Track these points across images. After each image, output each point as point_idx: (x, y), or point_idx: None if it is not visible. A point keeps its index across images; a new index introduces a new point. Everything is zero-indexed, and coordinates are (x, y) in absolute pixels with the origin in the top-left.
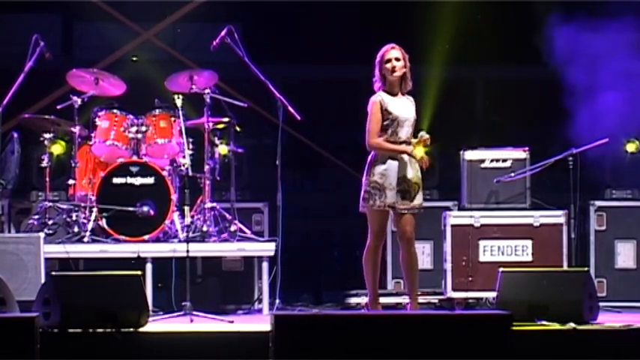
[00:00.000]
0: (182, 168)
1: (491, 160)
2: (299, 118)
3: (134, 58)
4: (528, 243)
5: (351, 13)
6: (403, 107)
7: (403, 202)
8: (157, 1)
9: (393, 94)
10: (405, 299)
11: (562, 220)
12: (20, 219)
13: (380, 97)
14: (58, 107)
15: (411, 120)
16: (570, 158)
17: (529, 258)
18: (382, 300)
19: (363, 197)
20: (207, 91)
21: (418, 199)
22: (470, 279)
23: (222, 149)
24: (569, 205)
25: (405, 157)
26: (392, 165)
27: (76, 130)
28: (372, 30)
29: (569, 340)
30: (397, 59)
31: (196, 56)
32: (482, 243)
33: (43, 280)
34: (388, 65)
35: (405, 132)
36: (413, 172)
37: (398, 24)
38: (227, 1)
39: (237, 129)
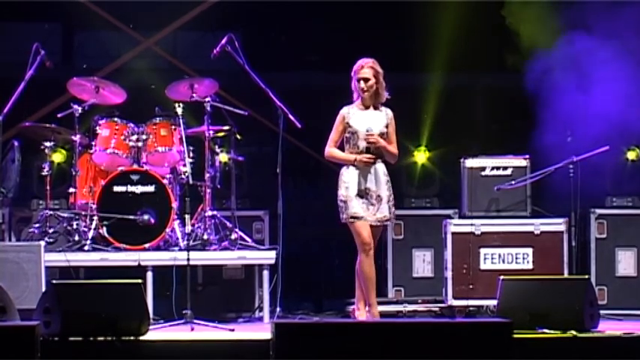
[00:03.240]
0: (183, 176)
1: (492, 168)
2: (299, 126)
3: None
4: (529, 251)
5: (351, 21)
6: (368, 120)
7: (368, 214)
8: (158, 10)
9: (365, 107)
10: (405, 307)
11: (563, 227)
12: (21, 227)
13: (346, 109)
14: (59, 116)
15: (374, 132)
16: (571, 166)
17: (530, 266)
18: (382, 308)
19: (339, 210)
20: (207, 99)
21: (382, 212)
22: (470, 287)
23: (223, 157)
24: (570, 212)
25: (367, 168)
26: (353, 176)
27: (77, 138)
28: (372, 37)
29: (569, 348)
30: (366, 80)
31: (197, 64)
32: (482, 251)
33: (43, 289)
34: (358, 84)
35: (364, 144)
36: (376, 184)
37: (398, 32)
38: (227, 9)
39: (238, 137)
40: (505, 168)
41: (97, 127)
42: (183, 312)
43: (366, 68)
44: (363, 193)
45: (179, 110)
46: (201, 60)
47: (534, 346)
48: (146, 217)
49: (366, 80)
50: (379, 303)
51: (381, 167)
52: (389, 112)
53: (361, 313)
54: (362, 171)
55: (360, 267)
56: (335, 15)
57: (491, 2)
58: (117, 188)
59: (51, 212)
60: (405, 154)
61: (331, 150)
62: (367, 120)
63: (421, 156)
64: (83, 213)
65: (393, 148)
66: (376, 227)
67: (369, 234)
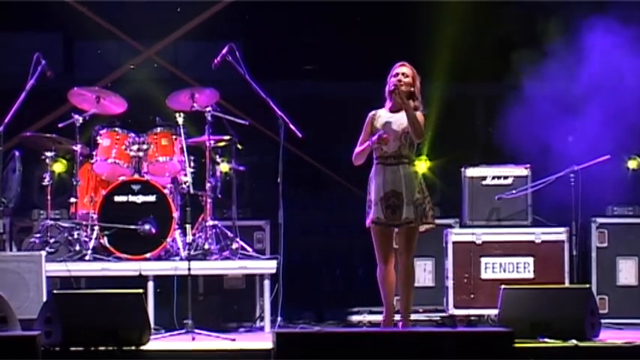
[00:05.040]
0: (183, 186)
1: (493, 177)
2: (300, 135)
3: (132, 66)
4: (530, 260)
5: (352, 31)
6: (393, 122)
7: (393, 217)
8: (158, 20)
9: (394, 111)
10: None
11: (564, 237)
12: (22, 237)
13: (374, 111)
14: (60, 126)
15: (398, 133)
16: (572, 175)
17: (531, 275)
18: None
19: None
20: (208, 109)
21: (406, 213)
22: (472, 296)
23: (224, 167)
24: (571, 222)
25: (392, 170)
26: (377, 180)
27: (78, 148)
28: (373, 47)
29: (571, 357)
30: (405, 74)
31: (197, 74)
32: (483, 260)
33: (44, 299)
34: (395, 78)
35: (390, 146)
36: (401, 185)
37: (398, 41)
38: (228, 18)
39: (239, 147)
40: (506, 177)
41: (98, 137)
42: (184, 322)
43: (406, 67)
44: (389, 197)
45: (180, 120)
46: (202, 70)
47: (535, 355)
48: (147, 226)
49: (405, 75)
50: (379, 312)
51: (405, 169)
52: (417, 113)
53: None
54: (385, 175)
55: (378, 275)
56: (336, 25)
57: (492, 12)
58: (118, 198)
59: (52, 222)
60: None
61: (355, 150)
62: (391, 121)
63: (422, 165)
64: (84, 223)
65: (419, 120)
66: (402, 230)
67: (386, 242)
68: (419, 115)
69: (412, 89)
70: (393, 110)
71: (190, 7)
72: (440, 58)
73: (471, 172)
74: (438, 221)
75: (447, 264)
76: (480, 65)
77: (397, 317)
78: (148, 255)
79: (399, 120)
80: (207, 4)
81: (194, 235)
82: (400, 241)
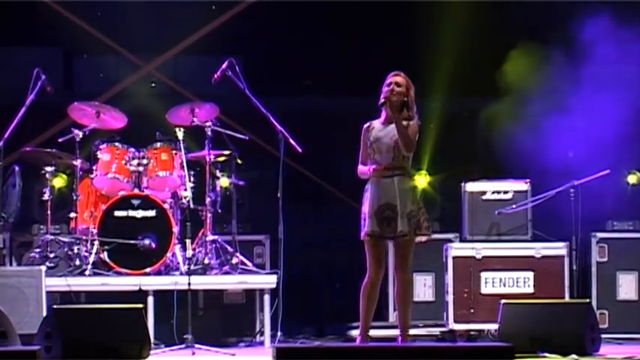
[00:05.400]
0: (183, 201)
1: (493, 192)
2: (300, 150)
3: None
4: (530, 275)
5: (352, 45)
6: (386, 134)
7: (388, 230)
8: (158, 35)
9: (387, 122)
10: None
11: (564, 251)
12: (22, 252)
13: (368, 123)
14: (60, 140)
15: (391, 145)
16: (572, 190)
17: (531, 290)
18: (384, 332)
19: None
20: (208, 123)
21: (400, 225)
22: (471, 311)
23: (224, 182)
24: (571, 236)
25: (386, 182)
26: (372, 192)
27: (78, 163)
28: (373, 62)
29: None
30: (398, 84)
31: (197, 89)
32: (483, 275)
33: (44, 314)
34: (388, 87)
35: (384, 158)
36: (396, 198)
37: (399, 55)
38: (228, 33)
39: (239, 161)
40: (506, 192)
41: (98, 152)
42: (184, 336)
43: (399, 76)
44: (384, 209)
45: (180, 135)
46: (202, 85)
47: None
48: (147, 241)
49: (398, 84)
50: (379, 327)
51: (400, 181)
52: (411, 122)
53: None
54: (380, 186)
55: (363, 287)
56: (336, 40)
57: (491, 28)
58: (118, 213)
59: (52, 237)
60: None
61: (359, 168)
62: (387, 134)
63: (422, 180)
64: (84, 238)
65: (412, 131)
66: (397, 244)
67: (379, 255)
68: (413, 124)
69: (405, 99)
70: (386, 121)
71: (190, 21)
72: (440, 73)
73: (471, 186)
74: (438, 236)
75: (447, 278)
76: (480, 80)
77: (396, 332)
78: (147, 270)
79: (392, 131)
80: (208, 19)
81: (194, 249)
82: (396, 256)
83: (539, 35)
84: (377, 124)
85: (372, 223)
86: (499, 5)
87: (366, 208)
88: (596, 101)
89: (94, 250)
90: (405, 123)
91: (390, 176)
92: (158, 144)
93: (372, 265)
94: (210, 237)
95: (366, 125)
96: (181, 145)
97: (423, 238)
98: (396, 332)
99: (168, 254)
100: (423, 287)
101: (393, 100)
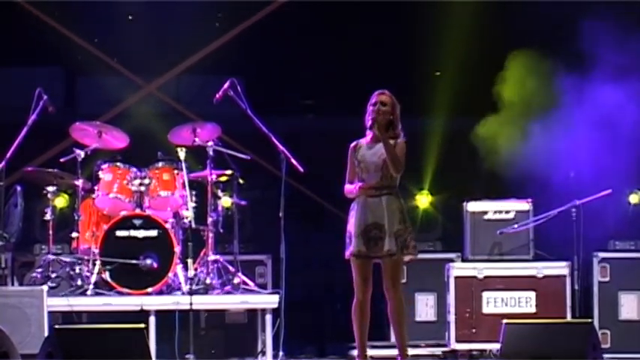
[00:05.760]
0: (185, 221)
1: (495, 212)
2: (302, 170)
3: (241, 181)
4: (532, 294)
5: (353, 65)
6: (373, 153)
7: (375, 249)
8: (160, 54)
9: (374, 141)
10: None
11: (565, 271)
12: (23, 272)
13: (355, 142)
14: (61, 160)
15: (378, 164)
16: (573, 210)
17: (533, 309)
18: (384, 352)
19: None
20: (210, 143)
21: (387, 245)
22: (473, 330)
23: (225, 202)
24: (573, 256)
25: (373, 202)
26: (358, 211)
27: (79, 183)
28: (374, 81)
29: None
30: (383, 103)
31: (199, 109)
32: (485, 294)
33: (46, 334)
34: (373, 107)
35: (372, 177)
36: (383, 217)
37: (400, 75)
38: (230, 53)
39: (240, 181)
40: (507, 211)
41: (100, 172)
42: (186, 356)
43: (385, 95)
44: (370, 228)
45: (181, 155)
46: (204, 105)
47: None
48: (149, 261)
49: (384, 104)
50: (380, 347)
51: (388, 200)
52: (398, 140)
53: None
54: (368, 205)
55: (353, 308)
56: (337, 59)
57: (493, 45)
58: (119, 233)
59: (53, 257)
60: (407, 197)
61: (345, 187)
62: (375, 153)
63: (423, 200)
64: (86, 258)
65: (398, 153)
66: (385, 263)
67: (365, 274)
68: (400, 143)
69: (391, 117)
70: (373, 140)
71: (192, 42)
72: (442, 91)
73: (473, 206)
74: (440, 255)
75: (449, 298)
76: (483, 98)
77: (395, 352)
78: (149, 290)
79: (380, 150)
80: (210, 39)
81: (196, 269)
82: (385, 276)
83: (541, 49)
84: (364, 143)
85: (358, 243)
86: (501, 25)
87: (351, 227)
88: (599, 119)
89: (96, 270)
90: (391, 142)
91: (378, 195)
92: (160, 164)
93: (359, 285)
94: (212, 257)
95: (352, 144)
96: (183, 165)
97: (407, 258)
98: (397, 352)
99: (170, 274)
100: (425, 307)
101: (379, 120)
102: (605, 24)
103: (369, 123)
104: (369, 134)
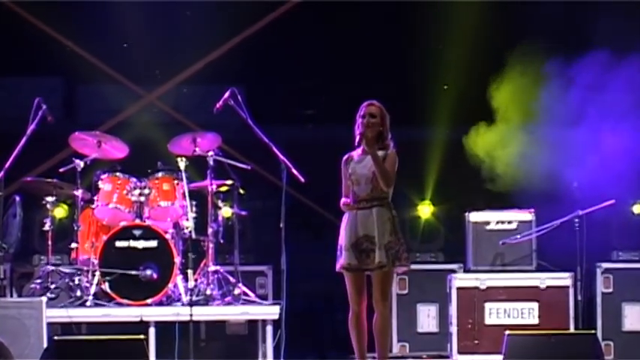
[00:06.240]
0: (185, 231)
1: (497, 222)
2: (302, 180)
3: (241, 192)
4: (535, 305)
5: (354, 75)
6: (364, 165)
7: (367, 262)
8: (160, 64)
9: (365, 153)
10: None
11: (568, 282)
12: (22, 283)
13: (346, 156)
14: (61, 170)
15: (369, 177)
16: (576, 220)
17: (535, 321)
18: None
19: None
20: (210, 153)
21: (378, 257)
22: (476, 342)
23: (226, 212)
24: (576, 267)
25: (364, 214)
26: (349, 223)
27: (79, 193)
28: (376, 91)
29: None
30: (372, 115)
31: (199, 118)
32: (488, 305)
33: (45, 345)
34: (362, 120)
35: (362, 189)
36: (374, 229)
37: (400, 84)
38: (230, 63)
39: (241, 191)
40: (510, 222)
41: (99, 182)
42: None
43: (374, 106)
44: (361, 240)
45: (182, 165)
46: (204, 114)
47: None
48: (148, 272)
49: (373, 115)
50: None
51: (378, 212)
52: (389, 152)
53: None
54: (358, 218)
55: (350, 320)
56: (338, 68)
57: (496, 55)
58: (119, 243)
59: (53, 268)
60: (409, 207)
61: (342, 201)
62: (365, 165)
63: (425, 210)
64: (85, 268)
65: (388, 166)
66: (375, 275)
67: (358, 287)
68: (390, 155)
69: (381, 129)
70: (364, 152)
71: (192, 51)
72: (442, 103)
73: (475, 216)
74: (442, 266)
75: (451, 309)
76: (482, 109)
77: None
78: (149, 301)
79: (370, 162)
80: (210, 48)
81: (196, 280)
82: (375, 288)
83: (544, 52)
84: (355, 155)
85: (349, 256)
86: (505, 27)
87: (342, 239)
88: (602, 130)
89: (95, 281)
90: (381, 153)
91: (369, 207)
92: (160, 174)
93: (353, 297)
94: (212, 267)
95: (344, 157)
96: (183, 175)
97: (401, 270)
98: None
99: (170, 285)
100: (427, 318)
101: (367, 134)
102: (614, 26)
103: (357, 139)
104: (361, 146)
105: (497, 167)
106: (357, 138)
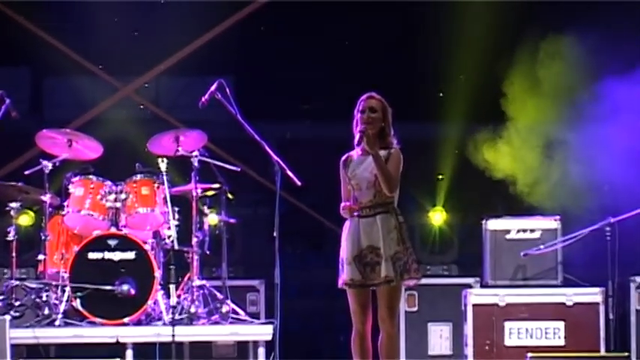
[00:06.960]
0: (167, 241)
1: (518, 231)
2: (299, 183)
3: (230, 196)
4: (560, 325)
5: (356, 65)
6: (365, 167)
7: (372, 276)
8: (138, 54)
9: (365, 153)
10: None
11: (598, 298)
12: None
13: (345, 156)
14: (26, 173)
15: (371, 180)
16: (607, 228)
17: (561, 342)
18: None
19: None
20: (195, 153)
21: (385, 270)
22: None
23: (212, 219)
24: (607, 281)
25: (367, 223)
26: (351, 233)
27: (47, 198)
28: (380, 82)
29: None
30: (372, 109)
31: (182, 114)
32: (507, 325)
33: None
34: (362, 115)
35: (364, 195)
36: (379, 239)
37: (402, 83)
38: (217, 51)
39: (229, 196)
40: (533, 230)
41: (70, 186)
42: None
43: (373, 99)
44: (365, 253)
45: (163, 166)
46: (188, 109)
47: None
48: (125, 287)
49: (373, 110)
50: None
51: (383, 220)
52: (392, 150)
53: None
54: (362, 227)
55: (353, 341)
56: (337, 61)
57: (509, 50)
58: (92, 255)
59: (17, 282)
60: (418, 214)
61: (342, 206)
62: (367, 167)
63: (437, 217)
64: (54, 283)
65: (390, 171)
66: (381, 291)
67: (363, 304)
68: (394, 154)
69: (382, 124)
70: (365, 152)
71: (175, 39)
72: (457, 98)
73: (493, 224)
74: (456, 281)
75: (466, 329)
76: (498, 107)
77: None
78: (126, 319)
79: (372, 164)
80: (194, 36)
81: (179, 296)
82: (381, 305)
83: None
84: (355, 155)
85: (352, 270)
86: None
87: (344, 252)
88: (635, 128)
89: (65, 298)
90: (383, 152)
91: (372, 215)
92: (138, 177)
93: (357, 315)
94: (197, 282)
95: (343, 159)
96: (164, 178)
97: (412, 282)
98: None
99: (150, 302)
100: (439, 339)
101: (368, 132)
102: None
103: (356, 137)
104: (361, 145)
105: (519, 175)
106: (357, 136)
